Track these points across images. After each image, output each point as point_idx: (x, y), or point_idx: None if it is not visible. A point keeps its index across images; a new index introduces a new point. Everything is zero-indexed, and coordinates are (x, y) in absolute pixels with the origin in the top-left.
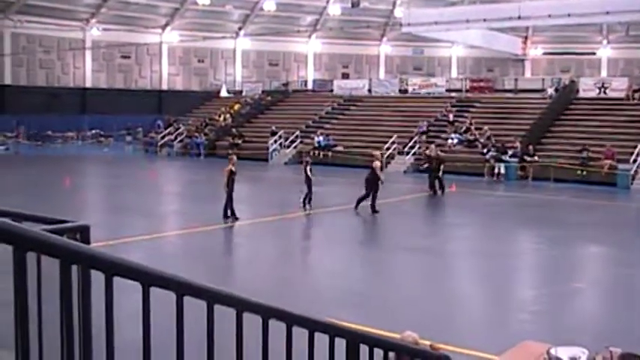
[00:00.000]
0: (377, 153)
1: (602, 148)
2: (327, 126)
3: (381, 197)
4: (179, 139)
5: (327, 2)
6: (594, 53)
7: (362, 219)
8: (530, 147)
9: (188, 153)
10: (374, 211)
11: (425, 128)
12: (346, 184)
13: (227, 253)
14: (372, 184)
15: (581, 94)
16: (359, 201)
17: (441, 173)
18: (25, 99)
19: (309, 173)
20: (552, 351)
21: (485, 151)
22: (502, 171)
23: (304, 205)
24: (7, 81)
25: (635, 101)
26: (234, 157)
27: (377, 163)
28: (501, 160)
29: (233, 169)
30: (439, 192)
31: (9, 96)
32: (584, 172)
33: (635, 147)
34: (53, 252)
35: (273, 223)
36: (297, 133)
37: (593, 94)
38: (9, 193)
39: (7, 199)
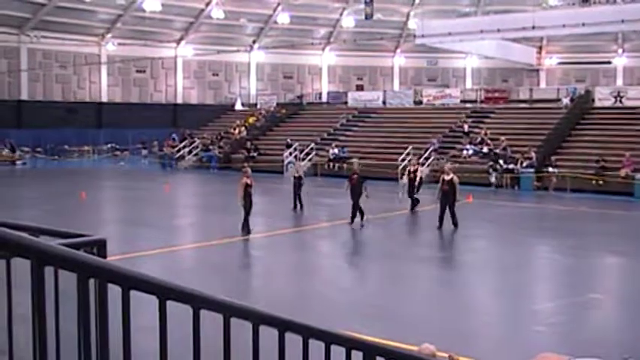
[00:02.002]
0: (355, 161)
1: (619, 158)
2: (342, 138)
3: (396, 209)
4: (194, 152)
5: (341, 15)
6: (610, 62)
7: (378, 230)
8: (552, 158)
9: (203, 166)
10: (353, 221)
11: (437, 145)
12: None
13: (243, 266)
14: (356, 196)
15: (597, 104)
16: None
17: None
18: (41, 114)
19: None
20: None
21: (501, 162)
22: (492, 180)
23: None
24: (24, 96)
25: None
26: (249, 170)
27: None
28: (495, 170)
29: (248, 182)
30: (452, 227)
31: (26, 111)
32: (601, 182)
33: None
34: (70, 266)
35: (289, 235)
36: (312, 145)
37: (609, 103)
38: (26, 207)
39: (25, 213)
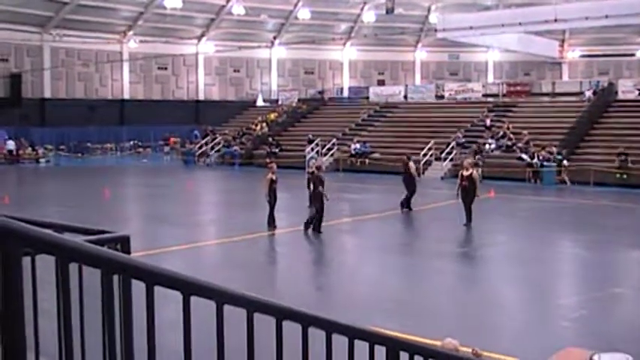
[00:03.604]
0: (317, 161)
1: None
2: (364, 133)
3: (417, 204)
4: (216, 148)
5: (362, 9)
6: (633, 54)
7: (401, 225)
8: (564, 151)
9: (226, 162)
10: (307, 228)
11: (462, 139)
12: (383, 191)
13: (266, 262)
14: (318, 200)
15: (620, 96)
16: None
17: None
18: (64, 111)
19: (323, 192)
20: (595, 357)
21: (522, 156)
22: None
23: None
24: (47, 94)
25: None
26: (274, 166)
27: (317, 164)
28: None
29: (274, 177)
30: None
31: (49, 109)
32: (625, 176)
33: None
34: (95, 262)
35: (312, 231)
36: (334, 140)
37: (633, 95)
38: (50, 204)
39: (49, 211)
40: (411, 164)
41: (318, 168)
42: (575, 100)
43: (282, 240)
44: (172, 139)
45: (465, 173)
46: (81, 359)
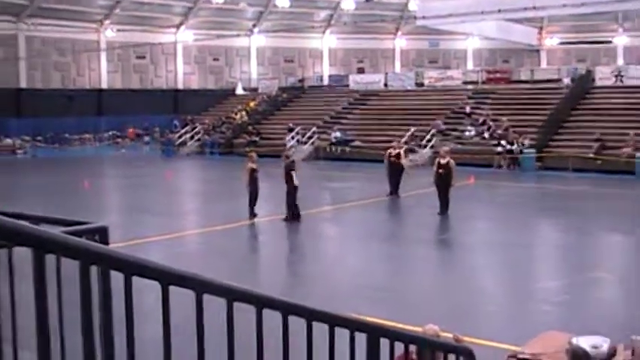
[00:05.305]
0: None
1: (620, 137)
2: (344, 121)
3: (400, 191)
4: (196, 138)
5: None
6: (610, 42)
7: (381, 213)
8: (515, 138)
9: (206, 151)
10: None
11: (442, 126)
12: (363, 179)
13: (247, 251)
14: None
15: (598, 83)
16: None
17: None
18: (41, 102)
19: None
20: (574, 340)
21: (502, 142)
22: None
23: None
24: (23, 84)
25: None
26: (254, 155)
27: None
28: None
29: (254, 166)
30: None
31: (25, 99)
32: (599, 162)
33: None
34: (72, 254)
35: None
36: (314, 129)
37: (610, 82)
38: (27, 196)
39: (26, 202)
40: (402, 153)
41: (287, 157)
42: (554, 87)
43: (263, 229)
44: (131, 130)
45: (443, 161)
46: (60, 351)
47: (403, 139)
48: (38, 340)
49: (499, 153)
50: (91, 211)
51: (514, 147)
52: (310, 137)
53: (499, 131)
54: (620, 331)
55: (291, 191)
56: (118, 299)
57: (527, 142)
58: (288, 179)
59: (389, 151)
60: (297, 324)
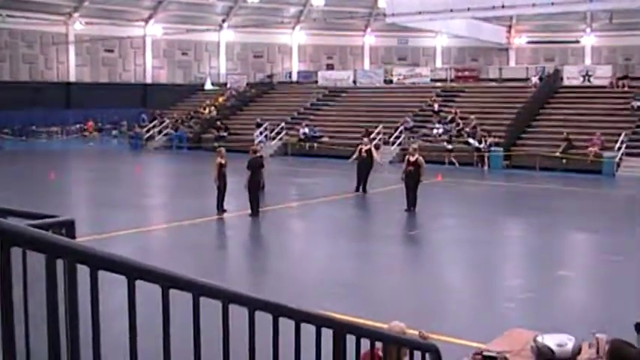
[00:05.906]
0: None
1: (588, 136)
2: (312, 117)
3: (369, 187)
4: (164, 132)
5: None
6: (578, 41)
7: (349, 209)
8: (483, 136)
9: (173, 146)
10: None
11: (411, 124)
12: (331, 175)
13: (215, 246)
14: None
15: (566, 83)
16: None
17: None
18: (8, 94)
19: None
20: (539, 338)
21: (469, 140)
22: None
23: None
24: None
25: (619, 89)
26: (223, 150)
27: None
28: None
29: (223, 162)
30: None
31: None
32: (564, 161)
33: (620, 134)
34: (38, 247)
35: (261, 215)
36: (282, 124)
37: (578, 82)
38: None
39: None
40: (373, 148)
41: (254, 152)
42: (522, 86)
43: (231, 224)
44: (90, 124)
45: (412, 159)
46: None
47: (372, 136)
48: (3, 336)
49: (450, 150)
50: (58, 204)
51: (482, 145)
52: (279, 133)
53: (467, 129)
54: (586, 329)
55: (252, 187)
56: (86, 294)
57: (490, 139)
58: (255, 176)
59: (360, 147)
60: (264, 319)
